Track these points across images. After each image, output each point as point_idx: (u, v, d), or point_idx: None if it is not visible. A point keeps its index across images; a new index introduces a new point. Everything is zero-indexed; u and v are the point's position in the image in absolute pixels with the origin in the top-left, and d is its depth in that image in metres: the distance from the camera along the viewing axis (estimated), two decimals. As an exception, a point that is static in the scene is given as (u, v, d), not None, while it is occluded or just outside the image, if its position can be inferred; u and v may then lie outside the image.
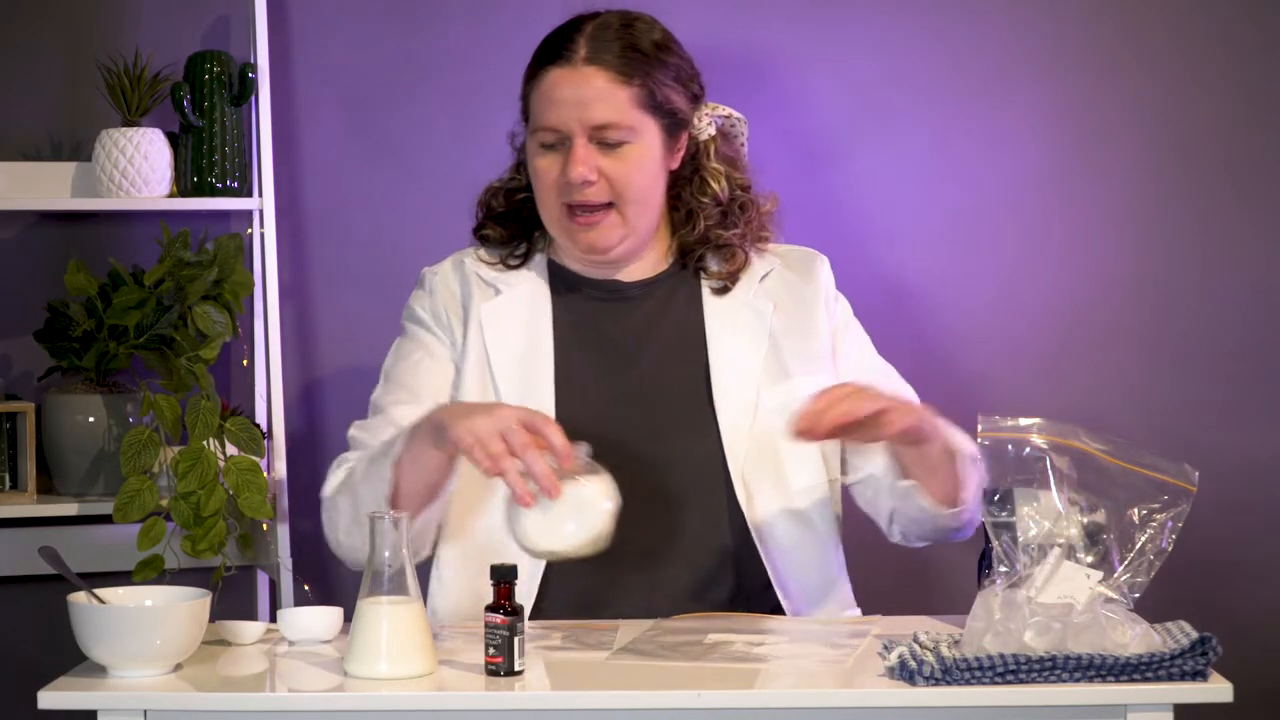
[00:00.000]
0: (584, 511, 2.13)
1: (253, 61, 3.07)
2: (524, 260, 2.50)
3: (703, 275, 2.48)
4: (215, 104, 3.03)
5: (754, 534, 2.38)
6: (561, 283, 2.49)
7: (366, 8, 3.15)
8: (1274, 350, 3.16)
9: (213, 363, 2.98)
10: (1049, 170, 3.15)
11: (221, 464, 2.92)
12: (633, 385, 2.44)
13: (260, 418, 3.07)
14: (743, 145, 2.56)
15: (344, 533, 2.34)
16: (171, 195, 3.04)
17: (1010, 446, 2.11)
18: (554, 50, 2.41)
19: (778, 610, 2.40)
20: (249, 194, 3.08)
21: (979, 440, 2.12)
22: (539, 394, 2.41)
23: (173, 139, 3.05)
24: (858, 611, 2.49)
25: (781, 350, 2.45)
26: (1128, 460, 2.10)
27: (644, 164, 2.41)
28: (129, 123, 3.01)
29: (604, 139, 2.38)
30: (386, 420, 2.41)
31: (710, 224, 2.48)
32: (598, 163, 2.38)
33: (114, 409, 3.01)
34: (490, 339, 2.44)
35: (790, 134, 3.14)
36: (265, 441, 2.99)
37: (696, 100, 2.48)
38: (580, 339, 2.46)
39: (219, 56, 3.05)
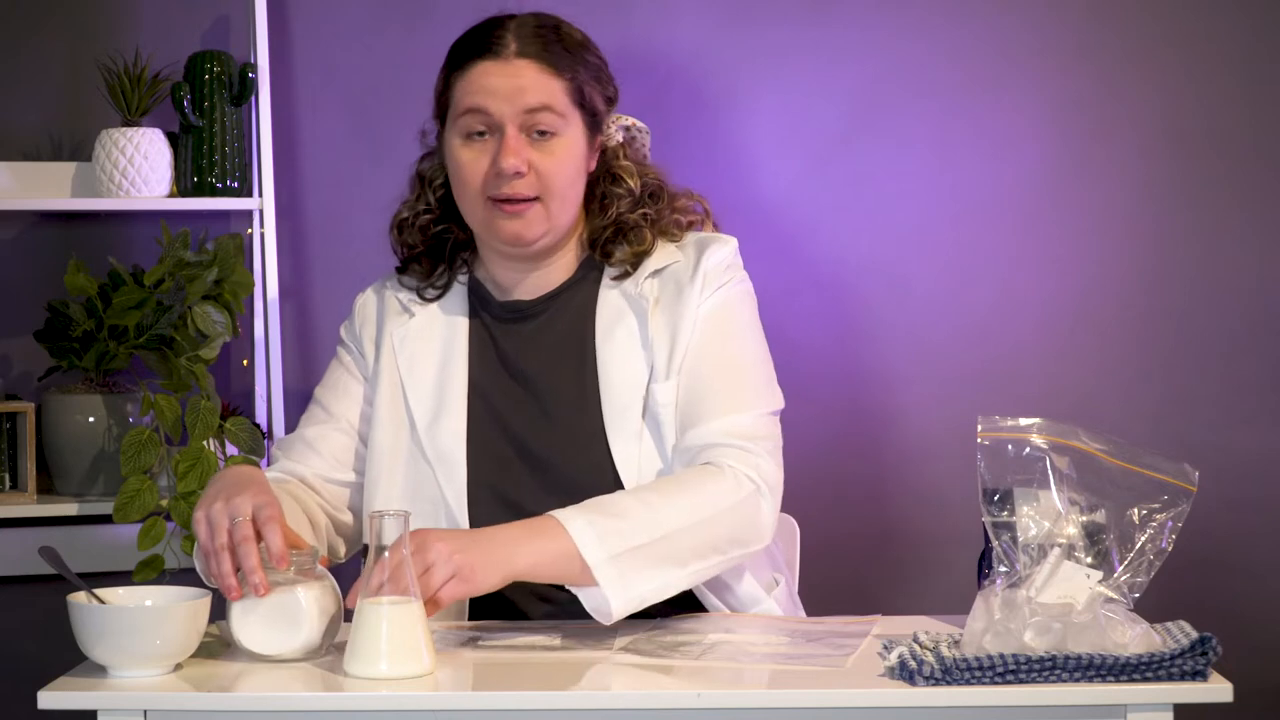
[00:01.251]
0: (286, 617, 2.10)
1: (253, 61, 3.07)
2: (443, 291, 2.50)
3: (607, 264, 2.46)
4: (215, 104, 3.03)
5: None
6: (477, 300, 2.50)
7: (366, 8, 3.15)
8: (1273, 349, 3.16)
9: (213, 363, 2.98)
10: (1049, 170, 3.15)
11: (221, 464, 2.92)
12: (530, 406, 2.43)
13: (260, 418, 3.07)
14: (646, 155, 2.57)
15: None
16: (171, 195, 3.05)
17: (1010, 446, 2.11)
18: (480, 45, 2.40)
19: (695, 605, 2.39)
20: (249, 194, 3.08)
21: (979, 440, 2.11)
22: (451, 418, 2.42)
23: (173, 139, 3.05)
24: (773, 604, 2.47)
25: (660, 347, 2.41)
26: (1128, 460, 2.10)
27: (570, 158, 2.40)
28: (129, 123, 3.01)
29: (536, 126, 2.37)
30: (300, 439, 2.48)
31: (622, 210, 2.46)
32: (528, 155, 2.37)
33: (114, 409, 3.01)
34: (403, 362, 2.46)
35: (789, 135, 3.14)
36: (265, 441, 2.99)
37: (611, 103, 2.48)
38: (489, 360, 2.46)
39: (219, 56, 3.05)
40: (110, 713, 2.00)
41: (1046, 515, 2.08)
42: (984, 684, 1.96)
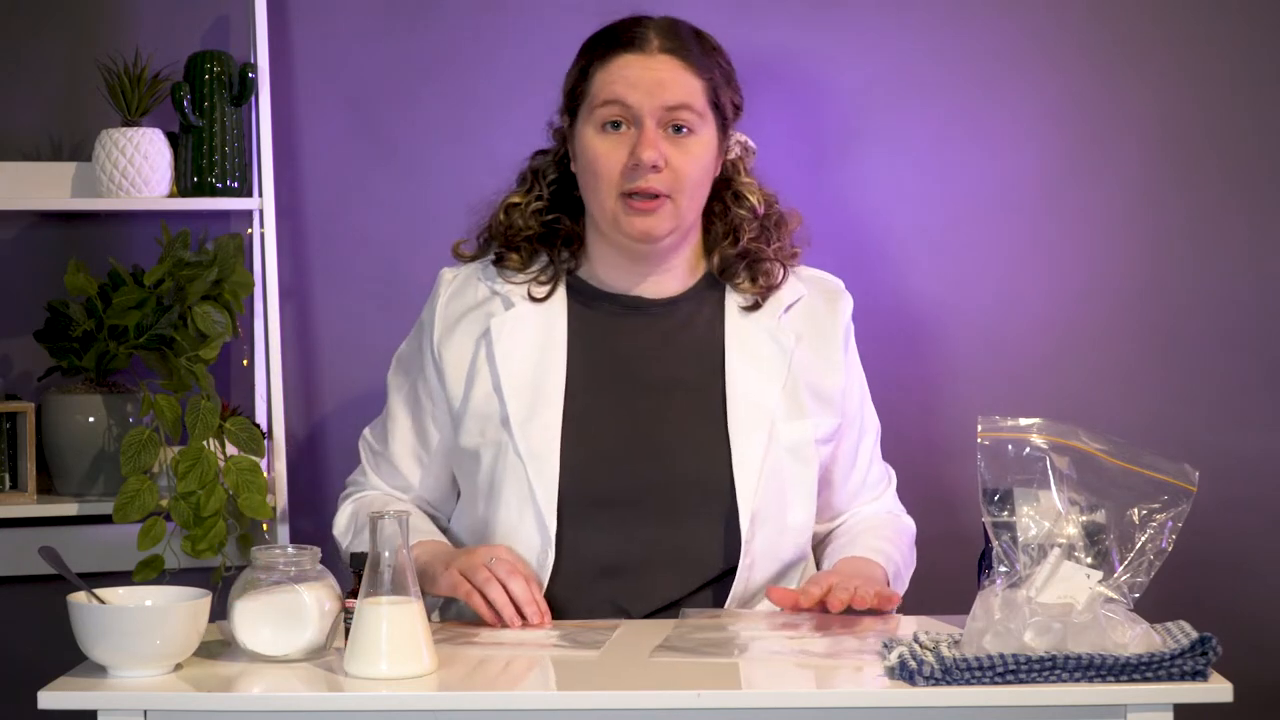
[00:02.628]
0: (290, 617, 2.11)
1: (253, 61, 3.07)
2: (553, 287, 2.49)
3: (734, 291, 2.50)
4: (215, 104, 3.03)
5: (743, 561, 2.39)
6: (580, 297, 2.50)
7: (367, 8, 3.15)
8: (1272, 349, 3.16)
9: (213, 363, 2.97)
10: (1048, 171, 3.15)
11: (221, 464, 2.92)
12: (645, 402, 2.44)
13: (260, 418, 3.07)
14: (752, 173, 2.60)
15: None
16: (171, 195, 3.04)
17: (1010, 446, 2.11)
18: (621, 39, 2.43)
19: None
20: (249, 194, 3.08)
21: (979, 440, 2.12)
22: (547, 410, 2.41)
23: (173, 139, 3.05)
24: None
25: (799, 386, 2.47)
26: (1128, 460, 2.10)
27: (702, 158, 2.44)
28: (129, 123, 3.01)
29: (674, 122, 2.41)
30: (388, 460, 2.55)
31: (751, 237, 2.51)
32: (664, 149, 2.40)
33: (114, 409, 3.00)
34: (499, 352, 2.45)
35: (790, 136, 3.14)
36: (265, 441, 2.99)
37: (738, 111, 2.52)
38: (595, 354, 2.46)
39: (219, 56, 3.05)
40: (110, 713, 2.00)
41: (1046, 515, 2.08)
42: (984, 684, 1.96)
